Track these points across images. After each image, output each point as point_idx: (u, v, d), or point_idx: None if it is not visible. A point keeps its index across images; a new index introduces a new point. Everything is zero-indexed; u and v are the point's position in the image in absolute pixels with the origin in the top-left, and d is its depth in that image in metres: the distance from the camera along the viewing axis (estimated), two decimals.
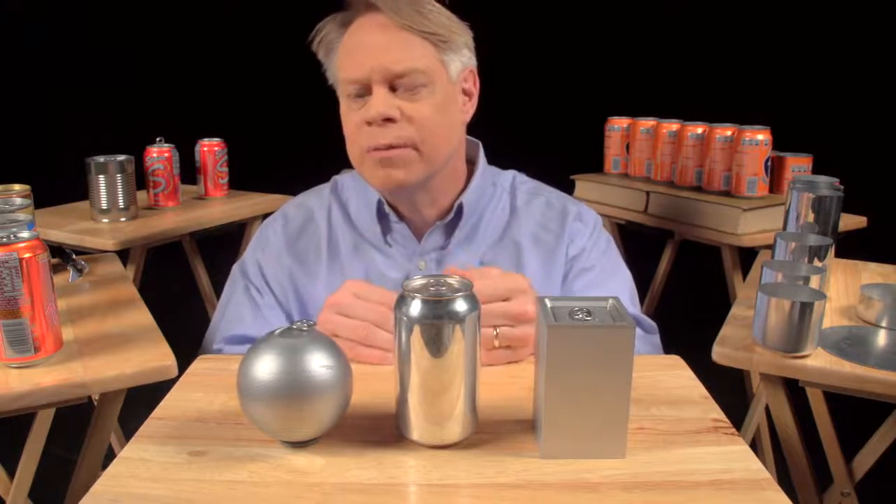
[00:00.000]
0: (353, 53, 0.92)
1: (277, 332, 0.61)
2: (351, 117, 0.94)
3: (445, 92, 0.94)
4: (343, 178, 1.07)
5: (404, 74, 0.90)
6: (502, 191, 1.04)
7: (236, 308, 0.99)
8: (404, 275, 0.97)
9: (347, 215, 1.03)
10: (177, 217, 1.68)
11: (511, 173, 1.08)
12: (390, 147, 0.91)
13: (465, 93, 0.98)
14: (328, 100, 1.01)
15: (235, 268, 1.04)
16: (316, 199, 1.06)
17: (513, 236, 1.00)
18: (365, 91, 0.92)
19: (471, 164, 1.04)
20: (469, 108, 0.99)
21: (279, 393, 0.58)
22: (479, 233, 1.00)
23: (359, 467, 0.58)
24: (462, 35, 0.96)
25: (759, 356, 0.90)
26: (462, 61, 0.96)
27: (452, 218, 0.98)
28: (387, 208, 0.99)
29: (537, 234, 1.01)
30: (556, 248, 1.00)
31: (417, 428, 0.60)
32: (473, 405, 0.61)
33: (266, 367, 0.59)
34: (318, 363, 0.59)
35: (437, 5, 0.94)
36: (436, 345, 0.57)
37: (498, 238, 1.00)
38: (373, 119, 0.90)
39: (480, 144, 1.05)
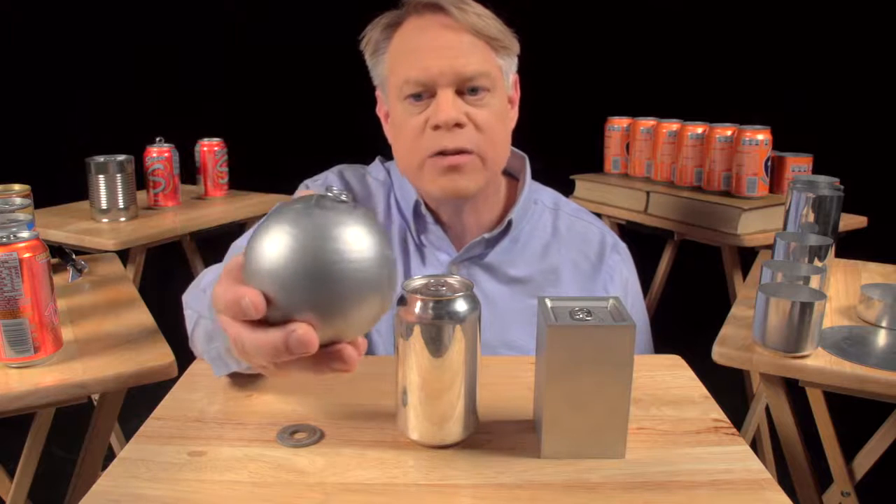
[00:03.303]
0: (417, 53, 0.88)
1: (314, 200, 0.46)
2: (409, 121, 0.89)
3: (502, 99, 0.92)
4: (388, 164, 1.03)
5: (473, 78, 0.87)
6: (543, 208, 1.01)
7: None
8: None
9: (398, 204, 0.99)
10: (177, 217, 1.68)
11: (551, 192, 1.05)
12: (459, 152, 0.87)
13: (510, 101, 0.96)
14: (327, 100, 1.01)
15: None
16: (373, 180, 1.01)
17: (553, 259, 0.98)
18: (427, 93, 0.88)
19: (508, 175, 1.01)
20: (514, 117, 0.97)
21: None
22: (518, 249, 0.97)
23: (359, 467, 0.58)
24: (515, 42, 0.93)
25: (759, 356, 0.90)
26: (513, 69, 0.95)
27: (499, 232, 0.95)
28: (423, 209, 0.96)
29: (576, 261, 0.99)
30: (594, 277, 0.98)
31: (418, 428, 0.60)
32: (474, 405, 0.61)
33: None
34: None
35: (489, 11, 0.91)
36: (436, 345, 0.57)
37: (538, 258, 0.98)
38: (443, 123, 0.86)
39: (527, 158, 1.02)
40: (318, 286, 0.44)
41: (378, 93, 0.99)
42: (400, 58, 0.91)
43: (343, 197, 0.47)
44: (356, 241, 0.45)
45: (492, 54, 0.90)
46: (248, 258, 0.46)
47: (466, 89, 0.88)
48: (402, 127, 0.91)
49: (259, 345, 0.46)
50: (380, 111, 1.00)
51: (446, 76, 0.86)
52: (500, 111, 0.92)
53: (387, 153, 1.04)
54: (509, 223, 0.96)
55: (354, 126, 1.03)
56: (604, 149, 2.04)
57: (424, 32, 0.89)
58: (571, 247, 0.99)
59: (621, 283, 0.99)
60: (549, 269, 0.97)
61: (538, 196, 1.03)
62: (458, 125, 0.87)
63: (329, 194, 0.46)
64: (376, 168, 1.04)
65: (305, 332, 0.44)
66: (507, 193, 1.00)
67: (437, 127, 0.87)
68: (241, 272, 0.47)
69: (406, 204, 0.97)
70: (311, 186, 0.99)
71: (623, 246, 1.02)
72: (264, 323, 0.46)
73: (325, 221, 0.45)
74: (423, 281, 0.60)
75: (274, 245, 0.45)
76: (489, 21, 0.90)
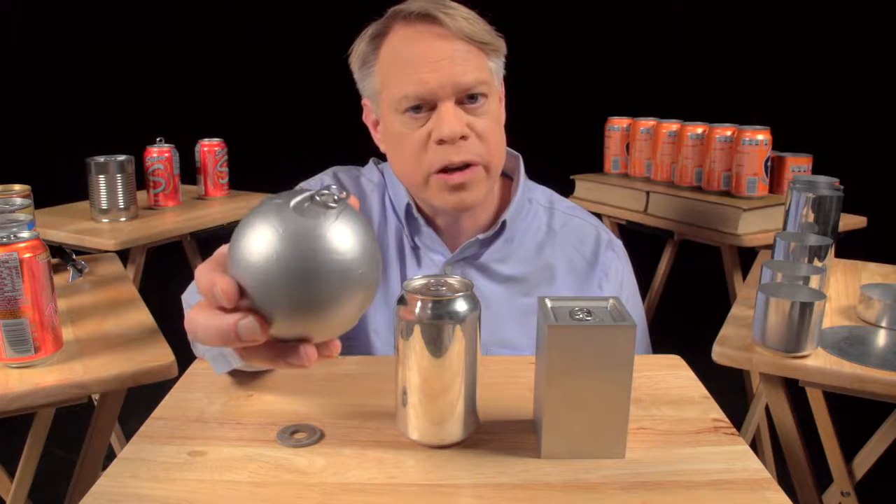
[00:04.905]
0: (412, 66, 0.86)
1: (293, 203, 0.45)
2: (410, 135, 0.88)
3: (497, 102, 0.92)
4: (382, 166, 1.03)
5: (473, 87, 0.86)
6: (538, 207, 1.01)
7: None
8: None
9: (393, 206, 0.99)
10: (177, 217, 1.68)
11: (545, 190, 1.05)
12: (465, 166, 0.86)
13: (500, 100, 0.96)
14: (327, 100, 1.00)
15: None
16: (367, 181, 1.01)
17: (547, 258, 0.97)
18: (426, 106, 0.86)
19: (502, 174, 1.00)
20: (503, 114, 0.96)
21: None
22: (513, 248, 0.97)
23: (359, 467, 0.58)
24: (503, 43, 0.92)
25: (759, 356, 0.90)
26: (502, 69, 0.94)
27: (494, 232, 0.95)
28: (415, 212, 0.95)
29: (571, 259, 0.98)
30: (589, 275, 0.97)
31: (418, 428, 0.60)
32: (473, 405, 0.61)
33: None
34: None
35: (474, 13, 0.90)
36: (436, 345, 0.57)
37: (532, 256, 0.97)
38: (448, 138, 0.85)
39: (520, 158, 1.01)
40: (287, 287, 0.44)
41: (366, 102, 0.97)
42: (393, 70, 0.89)
43: (331, 202, 0.45)
44: (330, 249, 0.44)
45: (484, 59, 0.89)
46: (230, 246, 0.46)
47: (465, 98, 0.87)
48: (403, 141, 0.89)
49: (209, 327, 0.46)
50: (367, 119, 0.99)
51: (446, 88, 0.85)
52: (497, 116, 0.91)
53: (384, 155, 1.04)
54: (503, 223, 0.95)
55: (354, 126, 1.03)
56: (604, 149, 2.04)
57: (416, 43, 0.87)
58: (566, 245, 0.99)
59: (616, 280, 0.98)
60: (544, 268, 0.97)
61: (532, 195, 1.02)
62: (463, 137, 0.86)
63: (317, 197, 0.45)
64: (370, 170, 1.04)
65: (252, 322, 0.44)
66: (501, 193, 1.00)
67: (441, 141, 0.86)
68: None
69: (399, 206, 0.97)
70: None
71: (619, 243, 1.02)
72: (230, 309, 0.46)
73: (301, 224, 0.44)
74: (423, 281, 0.60)
75: (250, 239, 0.44)
76: (477, 25, 0.89)
